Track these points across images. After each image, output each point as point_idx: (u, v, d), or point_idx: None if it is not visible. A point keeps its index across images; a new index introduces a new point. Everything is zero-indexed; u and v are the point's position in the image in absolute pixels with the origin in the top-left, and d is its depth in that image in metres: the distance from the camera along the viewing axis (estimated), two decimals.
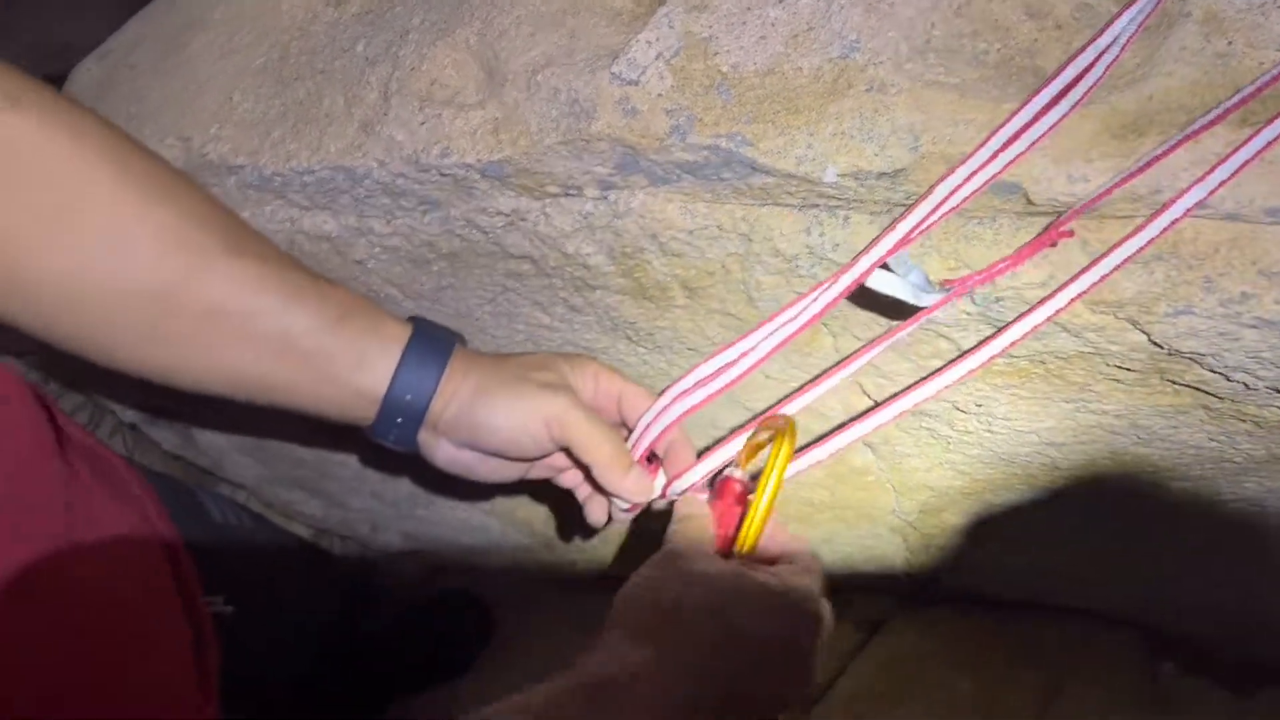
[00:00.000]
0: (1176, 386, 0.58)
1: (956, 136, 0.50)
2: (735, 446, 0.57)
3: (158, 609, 0.57)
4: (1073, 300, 0.52)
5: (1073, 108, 0.49)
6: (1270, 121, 0.47)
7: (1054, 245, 0.52)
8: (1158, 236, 0.49)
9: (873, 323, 0.61)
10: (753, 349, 0.56)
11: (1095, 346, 0.56)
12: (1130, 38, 0.50)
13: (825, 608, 0.50)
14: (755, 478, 0.52)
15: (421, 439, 0.57)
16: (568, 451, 0.57)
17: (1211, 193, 0.48)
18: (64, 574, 0.47)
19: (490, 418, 0.55)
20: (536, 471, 0.63)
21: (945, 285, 0.53)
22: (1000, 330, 0.54)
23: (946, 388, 0.55)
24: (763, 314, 0.63)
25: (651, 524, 0.63)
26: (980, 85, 0.51)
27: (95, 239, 0.47)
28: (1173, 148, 0.48)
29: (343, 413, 0.55)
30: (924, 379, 0.55)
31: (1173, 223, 0.49)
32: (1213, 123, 0.48)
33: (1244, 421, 0.59)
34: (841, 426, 0.56)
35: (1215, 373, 0.55)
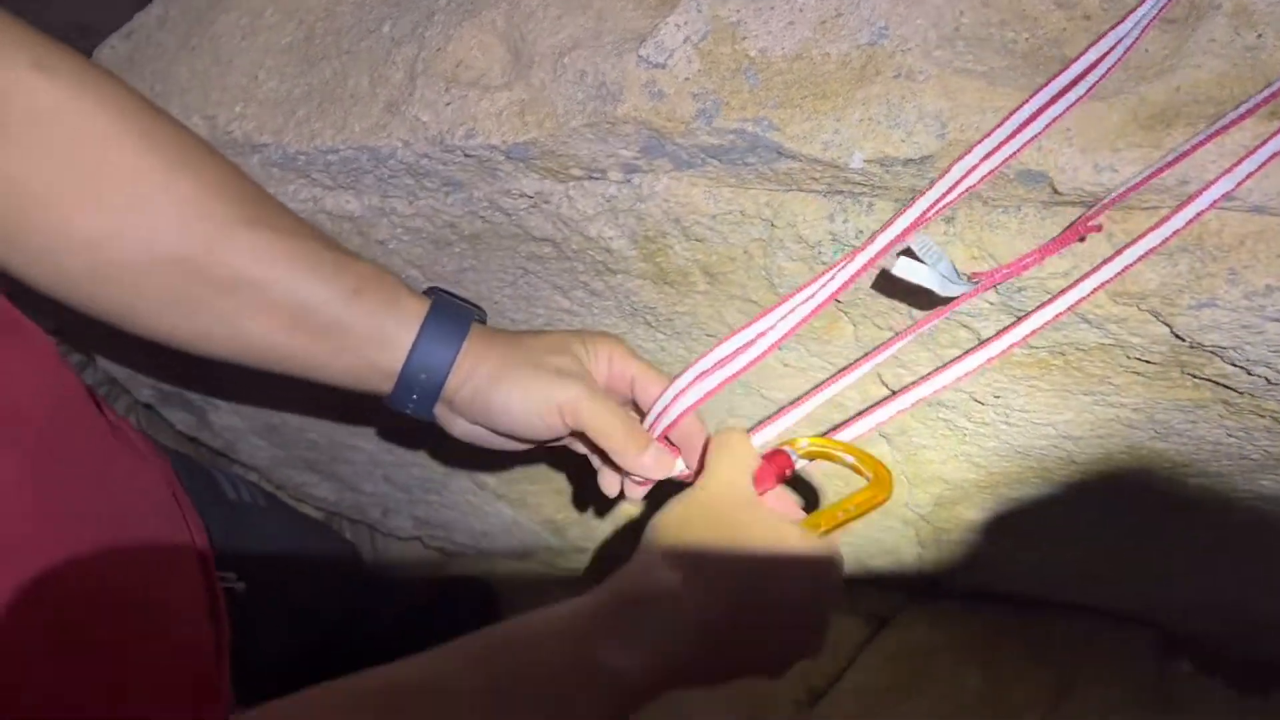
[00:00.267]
0: (1196, 380, 0.58)
1: (984, 124, 0.50)
2: (790, 421, 0.57)
3: (179, 574, 0.57)
4: (1095, 290, 0.52)
5: (1090, 90, 0.49)
6: None
7: (1082, 240, 0.52)
8: (1183, 228, 0.49)
9: (892, 311, 0.61)
10: (770, 329, 0.56)
11: (1116, 338, 0.56)
12: (1150, 21, 0.50)
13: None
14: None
15: (438, 412, 0.58)
16: (583, 435, 0.58)
17: (1239, 184, 0.48)
18: (100, 522, 0.48)
19: (503, 402, 0.56)
20: (553, 442, 0.64)
21: (973, 278, 0.53)
22: (1021, 319, 0.54)
23: (966, 376, 0.55)
24: None
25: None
26: (1008, 74, 0.51)
27: (121, 207, 0.48)
28: (1201, 143, 0.48)
29: (360, 384, 0.56)
30: (943, 367, 0.56)
31: (1199, 214, 0.49)
32: (1241, 118, 0.48)
33: (1263, 417, 0.59)
34: (859, 414, 0.57)
35: (1236, 366, 0.55)
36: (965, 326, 0.60)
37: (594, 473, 0.63)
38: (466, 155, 0.60)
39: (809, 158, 0.53)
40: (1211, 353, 0.54)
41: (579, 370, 0.57)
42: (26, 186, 0.46)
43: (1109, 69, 0.50)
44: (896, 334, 0.57)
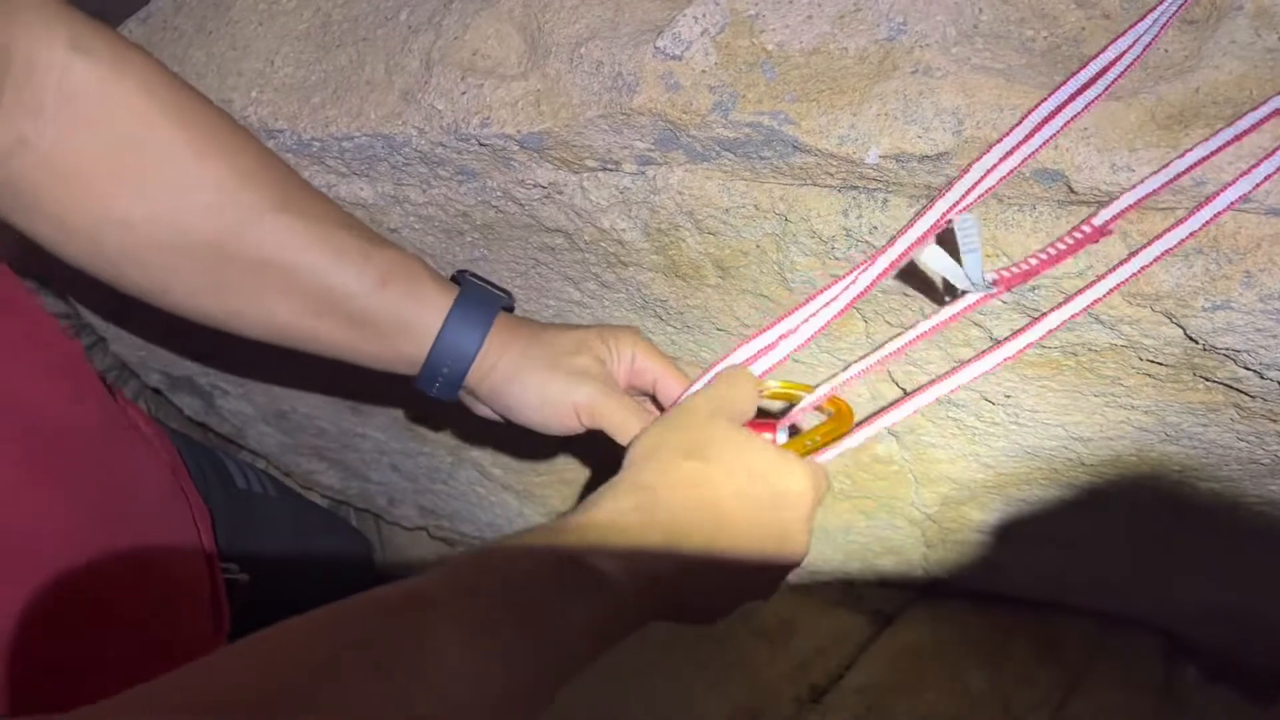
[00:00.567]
0: (1209, 383, 0.58)
1: (1001, 122, 0.50)
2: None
3: (180, 563, 0.58)
4: (1110, 291, 0.51)
5: (1107, 89, 0.49)
6: None
7: (1097, 243, 0.51)
8: (1199, 230, 0.49)
9: (904, 308, 0.61)
10: (792, 331, 0.56)
11: (1129, 340, 0.56)
12: (1169, 20, 0.50)
13: (822, 481, 0.51)
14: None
15: (462, 396, 0.60)
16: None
17: (1256, 187, 0.47)
18: (105, 508, 0.49)
19: (520, 400, 0.57)
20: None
21: (996, 280, 0.53)
22: (1035, 320, 0.54)
23: (979, 376, 0.55)
24: (796, 295, 0.63)
25: None
26: (1026, 72, 0.51)
27: (156, 191, 0.49)
28: (1220, 148, 0.48)
29: (387, 368, 0.58)
30: (956, 368, 0.55)
31: (1215, 216, 0.48)
32: (1261, 122, 0.47)
33: (1275, 422, 0.59)
34: (873, 415, 0.56)
35: (1249, 370, 0.55)
36: (977, 325, 0.60)
37: (603, 464, 0.64)
38: (481, 144, 0.60)
39: (824, 152, 0.53)
40: (1225, 356, 0.54)
41: (597, 370, 0.57)
42: (64, 164, 0.46)
43: (1127, 68, 0.49)
44: (902, 332, 0.57)
